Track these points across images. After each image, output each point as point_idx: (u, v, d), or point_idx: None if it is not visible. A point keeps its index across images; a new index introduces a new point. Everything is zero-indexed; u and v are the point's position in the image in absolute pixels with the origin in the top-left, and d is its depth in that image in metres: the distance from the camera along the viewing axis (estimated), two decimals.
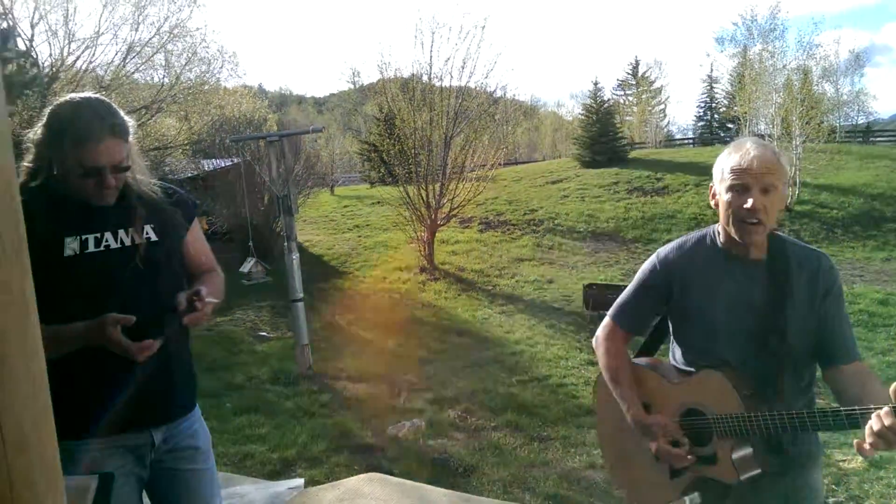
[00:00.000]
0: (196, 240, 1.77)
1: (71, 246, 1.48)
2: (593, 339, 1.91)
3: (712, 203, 1.64)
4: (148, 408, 1.60)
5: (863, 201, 15.60)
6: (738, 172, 1.51)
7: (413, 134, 13.55)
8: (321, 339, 8.79)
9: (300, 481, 2.25)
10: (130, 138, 1.53)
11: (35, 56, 10.71)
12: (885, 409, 1.25)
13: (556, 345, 8.93)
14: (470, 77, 14.16)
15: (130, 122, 1.55)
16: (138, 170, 1.60)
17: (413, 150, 13.45)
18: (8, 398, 0.31)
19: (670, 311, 1.76)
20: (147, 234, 1.59)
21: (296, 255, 6.41)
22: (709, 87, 44.01)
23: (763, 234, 1.54)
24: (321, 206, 20.11)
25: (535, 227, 16.45)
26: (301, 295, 6.60)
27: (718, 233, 1.64)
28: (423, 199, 13.26)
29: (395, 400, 6.41)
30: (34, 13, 13.18)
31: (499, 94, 16.40)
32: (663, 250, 1.77)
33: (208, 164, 15.36)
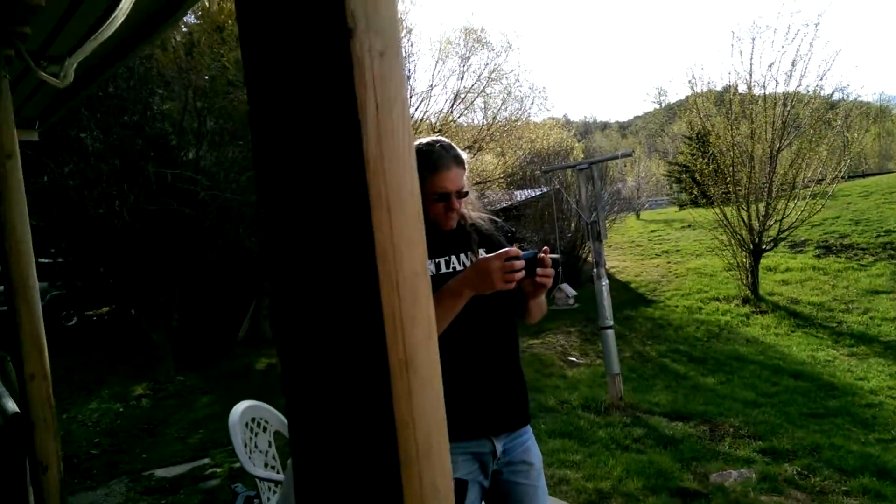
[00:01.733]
0: None
1: (429, 268, 1.72)
2: None
3: None
4: (494, 415, 1.74)
5: None
6: None
7: (730, 150, 12.38)
8: (630, 370, 8.53)
9: None
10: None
11: None
12: None
13: None
14: (800, 81, 12.42)
15: (465, 156, 1.82)
16: (469, 201, 1.84)
17: (731, 168, 12.27)
18: (419, 408, 0.35)
19: None
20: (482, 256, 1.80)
21: (605, 282, 6.36)
22: None
23: None
24: (627, 232, 19.72)
25: (893, 253, 13.43)
26: (611, 322, 6.51)
27: None
28: (743, 221, 11.95)
29: (719, 444, 5.82)
30: None
31: (837, 96, 14.00)
32: None
33: (520, 195, 16.42)
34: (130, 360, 10.16)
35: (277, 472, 2.95)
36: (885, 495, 4.62)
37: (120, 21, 1.78)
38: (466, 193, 1.77)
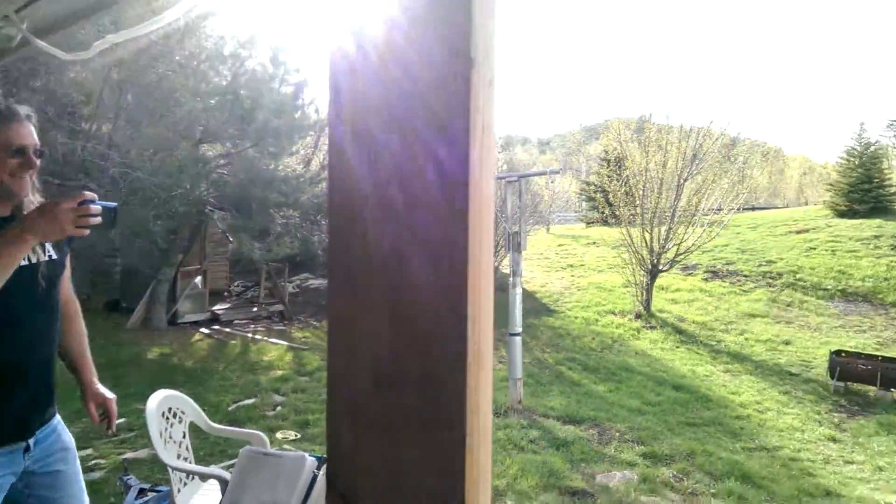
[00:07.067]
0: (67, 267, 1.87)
1: None
2: None
3: None
4: (33, 418, 1.70)
5: None
6: None
7: (643, 175, 13.17)
8: (530, 375, 8.85)
9: None
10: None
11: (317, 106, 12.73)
12: None
13: (791, 414, 7.91)
14: (711, 121, 13.43)
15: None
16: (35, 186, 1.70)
17: (641, 192, 13.05)
18: None
19: None
20: (49, 252, 1.71)
21: (519, 290, 6.59)
22: None
23: None
24: (537, 244, 20.40)
25: (771, 281, 14.79)
26: (520, 329, 6.75)
27: None
28: (646, 242, 12.75)
29: (605, 447, 6.19)
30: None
31: (741, 135, 15.25)
32: None
33: None
34: None
35: (190, 463, 2.84)
36: (747, 498, 5.11)
37: None
38: (43, 153, 1.62)
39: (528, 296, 14.33)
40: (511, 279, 6.66)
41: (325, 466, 1.66)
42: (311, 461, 1.81)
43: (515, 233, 6.38)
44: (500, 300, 8.22)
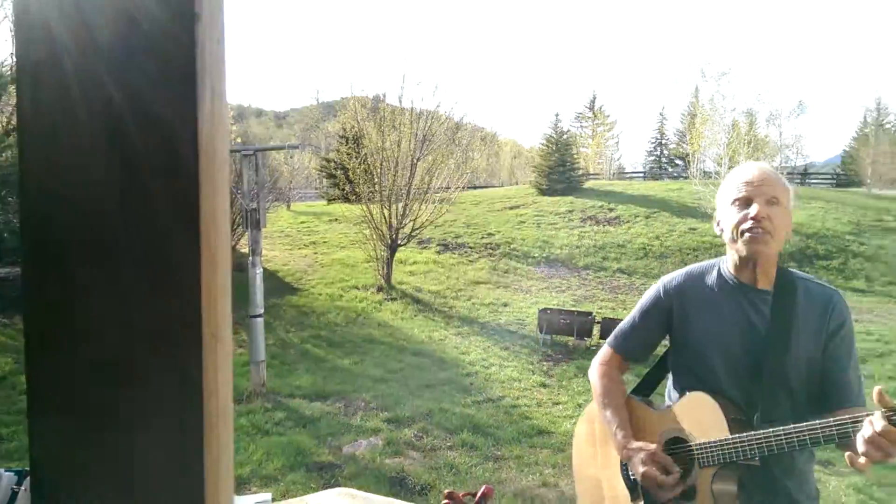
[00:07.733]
0: None
1: None
2: (590, 367, 1.83)
3: (717, 232, 1.59)
4: None
5: (798, 239, 16.42)
6: (741, 185, 1.50)
7: (380, 153, 13.64)
8: (274, 356, 8.66)
9: (268, 496, 2.24)
10: None
11: None
12: (876, 413, 1.17)
13: (510, 367, 9.06)
14: (438, 104, 14.45)
15: None
16: None
17: (379, 170, 13.52)
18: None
19: (671, 338, 1.70)
20: None
21: (259, 270, 6.35)
22: (660, 124, 46.09)
23: (769, 247, 1.47)
24: (277, 222, 19.88)
25: (491, 251, 16.69)
26: (261, 310, 6.53)
27: (726, 262, 1.60)
28: (385, 218, 13.30)
29: (351, 418, 6.39)
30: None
31: (464, 120, 16.79)
32: (667, 277, 1.70)
33: None
34: None
35: None
36: (477, 446, 5.76)
37: None
38: None
39: (270, 275, 13.92)
40: (250, 258, 6.39)
41: (27, 481, 1.42)
42: (8, 476, 1.51)
43: (254, 210, 6.11)
44: (239, 281, 7.83)
